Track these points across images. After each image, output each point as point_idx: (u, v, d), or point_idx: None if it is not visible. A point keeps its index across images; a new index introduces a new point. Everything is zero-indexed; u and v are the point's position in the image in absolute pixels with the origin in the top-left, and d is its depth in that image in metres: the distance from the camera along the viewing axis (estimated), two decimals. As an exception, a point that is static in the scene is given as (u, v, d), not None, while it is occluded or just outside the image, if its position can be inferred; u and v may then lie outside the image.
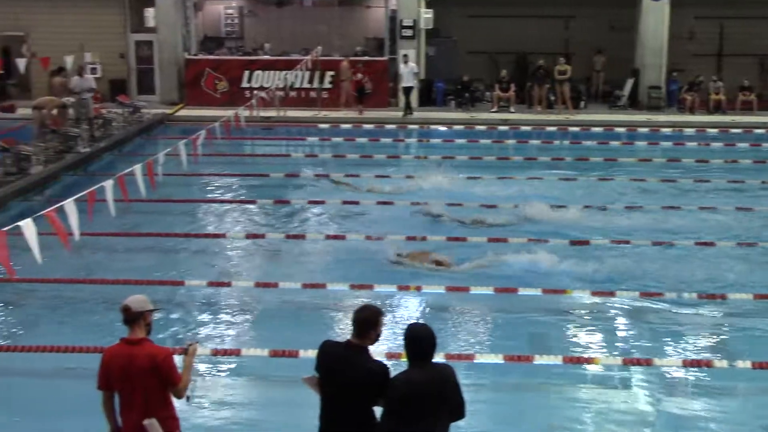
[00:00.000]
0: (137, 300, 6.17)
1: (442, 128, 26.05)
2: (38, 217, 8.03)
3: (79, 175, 19.48)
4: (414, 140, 25.15)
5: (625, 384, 9.38)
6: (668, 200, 17.10)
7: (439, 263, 12.72)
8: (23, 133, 21.17)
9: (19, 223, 7.64)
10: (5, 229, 7.41)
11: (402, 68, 27.11)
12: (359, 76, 27.44)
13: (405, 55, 27.78)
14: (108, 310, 11.23)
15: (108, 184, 10.33)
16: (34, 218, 7.87)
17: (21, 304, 11.71)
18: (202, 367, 9.39)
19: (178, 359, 6.34)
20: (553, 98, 27.94)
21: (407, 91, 27.08)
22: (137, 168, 11.64)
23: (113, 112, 24.56)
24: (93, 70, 27.12)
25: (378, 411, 5.86)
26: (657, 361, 9.52)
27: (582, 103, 28.52)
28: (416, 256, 12.90)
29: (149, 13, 28.53)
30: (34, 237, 7.64)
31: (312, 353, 6.31)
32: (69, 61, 25.31)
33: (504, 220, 15.44)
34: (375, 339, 5.93)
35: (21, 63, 26.83)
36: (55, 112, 20.97)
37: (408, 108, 27.03)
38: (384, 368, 5.85)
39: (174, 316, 11.01)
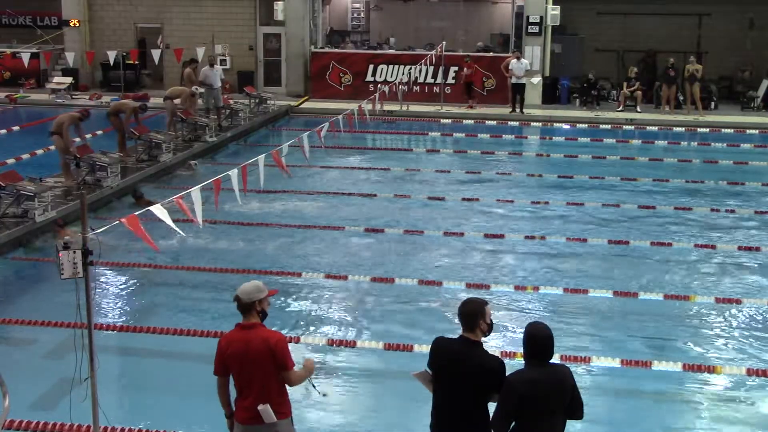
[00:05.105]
0: (249, 290, 6.21)
1: (566, 126, 25.66)
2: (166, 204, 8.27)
3: (207, 163, 20.03)
4: (536, 137, 24.94)
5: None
6: None
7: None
8: (156, 122, 21.92)
9: (150, 208, 7.90)
10: (137, 213, 7.68)
11: (513, 64, 26.29)
12: (467, 70, 27.17)
13: (516, 51, 27.45)
14: (223, 296, 11.58)
15: (233, 173, 10.55)
16: (164, 204, 8.11)
17: (144, 287, 12.10)
18: (317, 356, 9.57)
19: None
20: (681, 98, 27.11)
21: (517, 88, 26.50)
22: (261, 158, 11.90)
23: (240, 103, 25.17)
24: (222, 62, 27.81)
25: (490, 406, 5.79)
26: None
27: (713, 104, 27.60)
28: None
29: (278, 6, 29.11)
30: (167, 217, 7.88)
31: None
32: (200, 52, 26.06)
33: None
34: (487, 330, 5.89)
35: (155, 54, 27.81)
36: (178, 101, 21.53)
37: (515, 106, 26.44)
38: (500, 363, 5.82)
39: (291, 306, 11.22)
